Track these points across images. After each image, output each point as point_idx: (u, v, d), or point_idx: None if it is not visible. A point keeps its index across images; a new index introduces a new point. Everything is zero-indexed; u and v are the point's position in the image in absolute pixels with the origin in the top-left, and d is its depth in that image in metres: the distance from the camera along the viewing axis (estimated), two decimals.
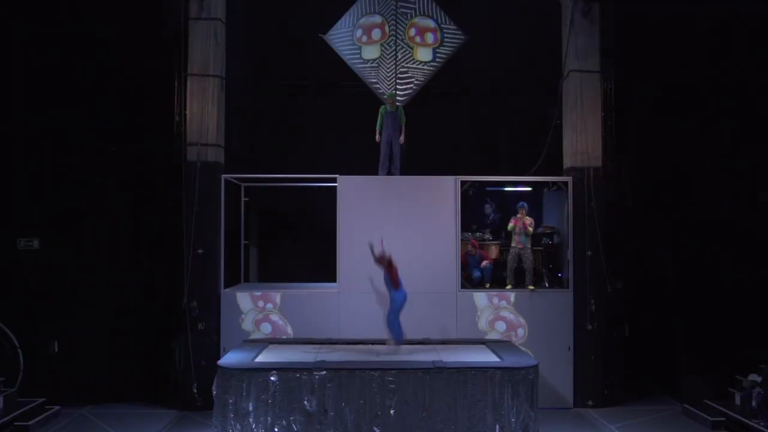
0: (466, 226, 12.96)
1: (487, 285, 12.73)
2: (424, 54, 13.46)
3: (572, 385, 12.44)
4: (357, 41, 13.49)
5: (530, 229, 12.58)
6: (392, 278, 10.95)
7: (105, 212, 12.88)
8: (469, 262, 12.80)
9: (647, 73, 13.28)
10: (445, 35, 13.47)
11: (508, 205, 13.20)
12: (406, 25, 13.46)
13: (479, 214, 13.59)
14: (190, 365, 12.05)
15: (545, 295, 12.63)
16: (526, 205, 12.65)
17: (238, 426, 9.56)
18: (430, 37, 13.45)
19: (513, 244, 12.65)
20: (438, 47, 13.46)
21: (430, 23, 13.46)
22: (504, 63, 14.32)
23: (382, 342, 11.51)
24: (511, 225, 12.68)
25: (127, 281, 12.92)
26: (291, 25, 13.96)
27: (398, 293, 10.93)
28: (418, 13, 13.44)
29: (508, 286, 12.65)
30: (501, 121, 15.04)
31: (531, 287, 12.58)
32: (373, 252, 10.93)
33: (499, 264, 13.04)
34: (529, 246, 12.60)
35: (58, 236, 12.76)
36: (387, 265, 10.92)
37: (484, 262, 12.76)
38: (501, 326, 12.51)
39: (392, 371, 9.60)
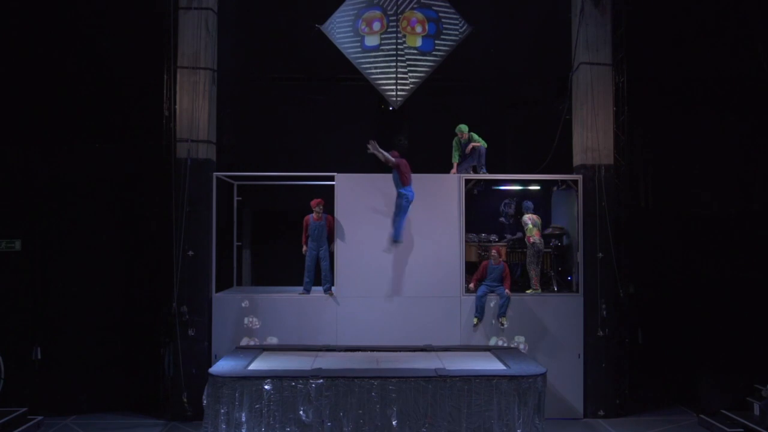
0: (470, 226, 12.70)
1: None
2: (425, 45, 13.22)
3: (582, 395, 12.25)
4: (357, 32, 13.26)
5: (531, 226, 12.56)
6: (402, 177, 11.41)
7: (90, 212, 12.71)
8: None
9: (662, 65, 13.16)
10: (448, 26, 13.23)
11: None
12: (408, 15, 13.18)
13: (482, 213, 13.37)
14: (180, 373, 11.83)
15: (554, 299, 12.41)
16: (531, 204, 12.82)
17: None
18: (427, 27, 13.18)
19: (533, 240, 12.36)
20: (440, 38, 13.21)
21: (432, 13, 13.23)
22: (511, 55, 14.21)
23: (381, 348, 11.47)
24: (528, 223, 12.60)
25: (114, 284, 12.78)
26: (286, 15, 13.88)
27: (407, 190, 11.40)
28: (419, 3, 13.21)
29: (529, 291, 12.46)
30: (508, 116, 14.92)
31: (530, 291, 12.46)
32: (380, 155, 11.25)
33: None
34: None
35: (41, 237, 12.53)
36: (395, 165, 11.39)
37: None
38: None
39: (393, 379, 9.50)
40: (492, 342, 12.08)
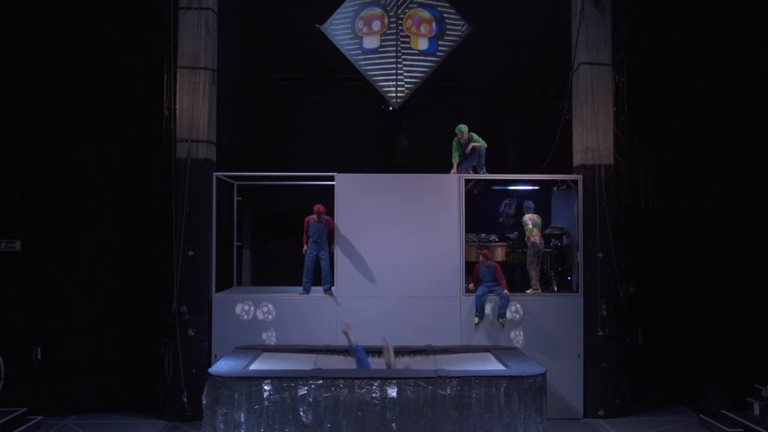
0: (470, 226, 12.61)
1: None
2: (425, 45, 13.10)
3: (582, 395, 12.16)
4: (357, 32, 13.15)
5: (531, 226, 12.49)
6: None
7: (90, 212, 12.64)
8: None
9: (662, 65, 13.07)
10: (448, 26, 13.12)
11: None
12: (411, 14, 13.08)
13: (482, 213, 13.31)
14: (180, 373, 11.76)
15: (554, 299, 12.33)
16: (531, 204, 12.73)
17: None
18: (432, 28, 13.10)
19: (534, 240, 12.33)
20: (441, 38, 13.11)
21: (433, 13, 13.12)
22: (511, 55, 14.10)
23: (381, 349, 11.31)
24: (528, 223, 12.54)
25: (114, 284, 12.69)
26: (286, 15, 13.75)
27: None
28: (419, 3, 13.09)
29: (530, 291, 12.38)
30: (508, 116, 14.83)
31: (529, 291, 12.39)
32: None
33: (505, 267, 12.65)
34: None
35: (41, 237, 12.45)
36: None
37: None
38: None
39: (393, 381, 9.35)
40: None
